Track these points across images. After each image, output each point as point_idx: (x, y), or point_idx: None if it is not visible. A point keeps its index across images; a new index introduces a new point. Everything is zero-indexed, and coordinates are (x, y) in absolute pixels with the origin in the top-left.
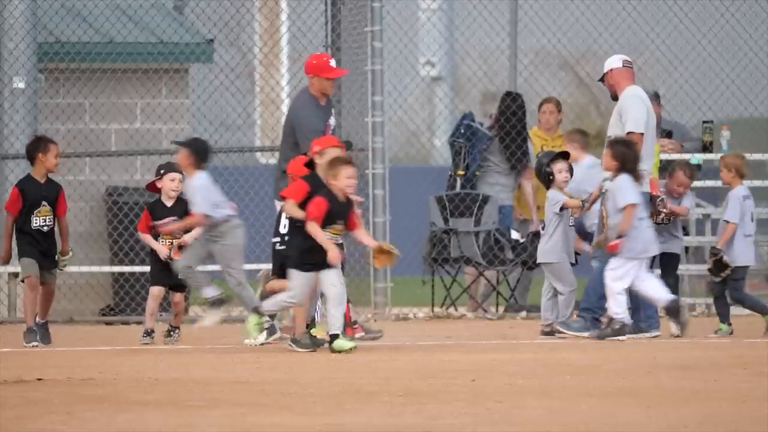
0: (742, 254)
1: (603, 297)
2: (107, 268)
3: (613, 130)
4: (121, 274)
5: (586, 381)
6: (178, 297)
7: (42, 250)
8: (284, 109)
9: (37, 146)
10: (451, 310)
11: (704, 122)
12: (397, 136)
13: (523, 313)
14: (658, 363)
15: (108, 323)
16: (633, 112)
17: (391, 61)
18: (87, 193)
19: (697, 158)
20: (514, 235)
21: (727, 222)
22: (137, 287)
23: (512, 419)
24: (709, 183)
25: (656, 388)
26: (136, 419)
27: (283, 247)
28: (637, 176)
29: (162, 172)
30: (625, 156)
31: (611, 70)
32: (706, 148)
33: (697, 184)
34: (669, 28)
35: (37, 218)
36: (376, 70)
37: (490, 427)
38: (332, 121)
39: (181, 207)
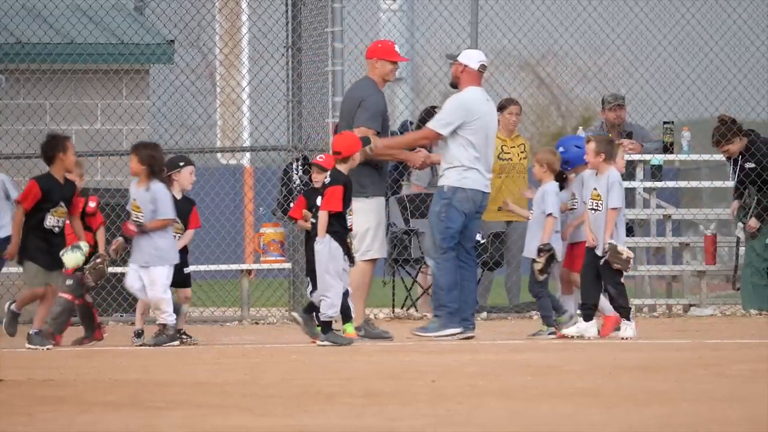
0: (558, 247)
1: (451, 291)
2: None
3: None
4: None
5: (547, 382)
6: (188, 292)
7: (51, 251)
8: (245, 109)
9: (56, 145)
10: (412, 310)
11: (665, 123)
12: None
13: (484, 314)
14: (619, 364)
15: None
16: (445, 113)
17: (351, 62)
18: None
19: (657, 159)
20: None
21: (551, 215)
22: (98, 288)
23: (473, 420)
24: (670, 183)
25: (617, 389)
26: (97, 420)
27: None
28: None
29: (182, 164)
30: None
31: (465, 66)
32: (667, 148)
33: (658, 184)
34: (629, 28)
35: (53, 217)
36: (336, 71)
37: (451, 428)
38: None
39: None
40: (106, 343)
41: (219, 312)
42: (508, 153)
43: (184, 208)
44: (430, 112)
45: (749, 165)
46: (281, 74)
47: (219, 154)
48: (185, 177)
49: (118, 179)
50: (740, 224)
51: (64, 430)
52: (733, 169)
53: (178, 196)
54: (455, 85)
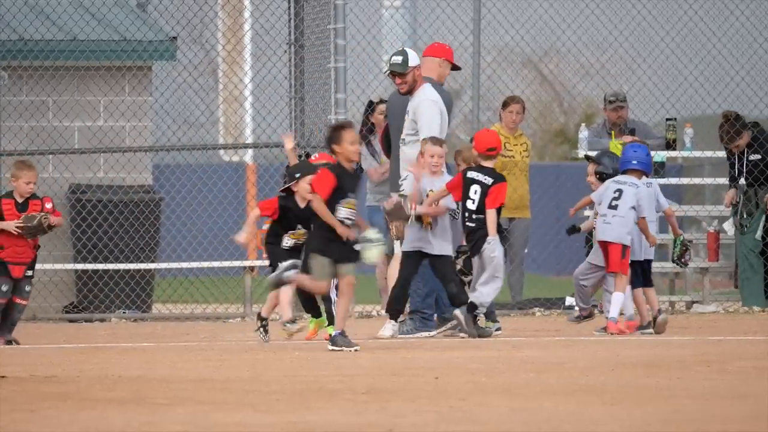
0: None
1: (427, 297)
2: (70, 266)
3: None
4: (85, 271)
5: (550, 379)
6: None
7: (342, 243)
8: (247, 106)
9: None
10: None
11: (667, 120)
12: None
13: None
14: (621, 361)
15: (71, 321)
16: (435, 119)
17: (354, 59)
18: (50, 190)
19: (660, 156)
20: None
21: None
22: (100, 285)
23: (475, 417)
24: (673, 180)
25: (620, 386)
26: (99, 417)
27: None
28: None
29: (298, 175)
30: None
31: (417, 67)
32: (670, 145)
33: (660, 181)
34: (632, 25)
35: (344, 209)
36: (339, 68)
37: (453, 426)
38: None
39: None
40: (109, 340)
41: (222, 309)
42: (511, 150)
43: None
44: (369, 105)
45: (755, 157)
46: (284, 71)
47: (221, 151)
48: (304, 186)
49: (121, 176)
50: (729, 220)
51: (67, 427)
52: (738, 161)
53: (302, 205)
54: (411, 92)
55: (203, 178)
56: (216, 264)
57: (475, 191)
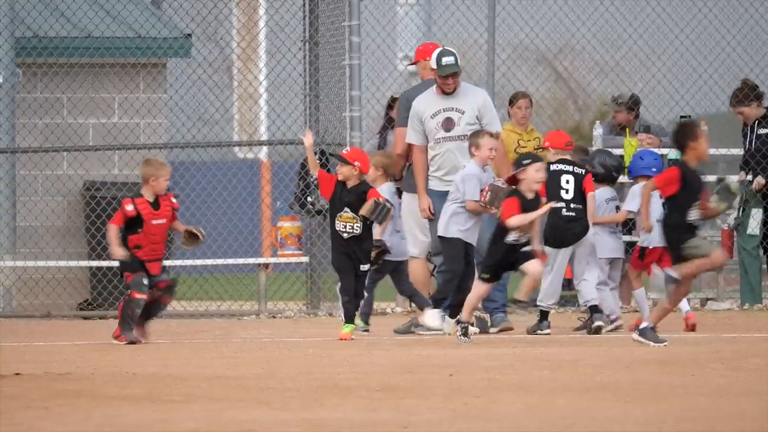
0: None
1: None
2: (85, 263)
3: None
4: (99, 268)
5: (564, 376)
6: None
7: None
8: (262, 103)
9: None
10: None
11: (682, 117)
12: (375, 131)
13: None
14: (636, 358)
15: (85, 318)
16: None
17: (368, 56)
18: (65, 187)
19: (674, 154)
20: None
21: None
22: (115, 282)
23: (489, 414)
24: None
25: (634, 384)
26: (114, 414)
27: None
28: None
29: (525, 162)
30: None
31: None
32: None
33: None
34: (646, 23)
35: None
36: (353, 65)
37: (468, 423)
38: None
39: None
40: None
41: (236, 306)
42: (525, 146)
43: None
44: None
45: (764, 131)
46: (298, 68)
47: (236, 148)
48: (533, 175)
49: (135, 173)
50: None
51: (81, 424)
52: (748, 137)
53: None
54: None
55: (218, 176)
56: (230, 261)
57: (566, 181)
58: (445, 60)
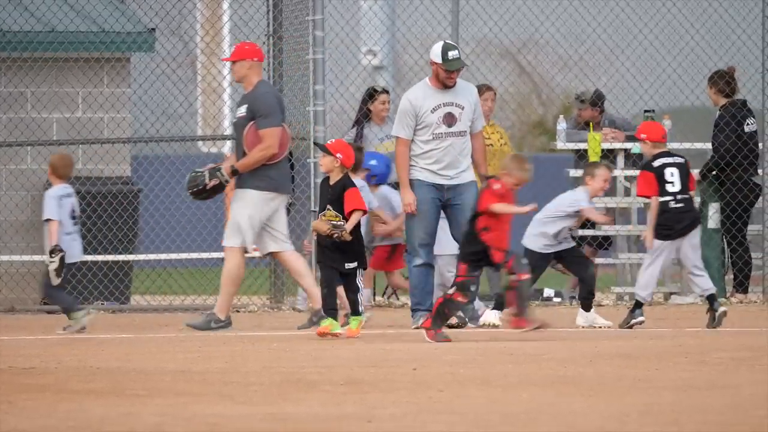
0: (69, 250)
1: (429, 293)
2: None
3: None
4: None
5: (528, 370)
6: None
7: None
8: (226, 98)
9: None
10: (393, 299)
11: (645, 111)
12: (338, 125)
13: None
14: (599, 352)
15: (49, 312)
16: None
17: (332, 50)
18: (28, 182)
19: (638, 147)
20: None
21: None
22: (78, 276)
23: (453, 408)
24: None
25: (598, 377)
26: (78, 408)
27: None
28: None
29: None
30: None
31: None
32: None
33: (637, 172)
34: (610, 17)
35: None
36: (317, 59)
37: (432, 416)
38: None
39: None
40: (87, 331)
41: (200, 300)
42: (489, 138)
43: None
44: (371, 94)
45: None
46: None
47: (200, 142)
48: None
49: (99, 167)
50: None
51: (45, 419)
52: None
53: None
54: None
55: (182, 170)
56: (194, 255)
57: (671, 174)
58: (452, 54)
